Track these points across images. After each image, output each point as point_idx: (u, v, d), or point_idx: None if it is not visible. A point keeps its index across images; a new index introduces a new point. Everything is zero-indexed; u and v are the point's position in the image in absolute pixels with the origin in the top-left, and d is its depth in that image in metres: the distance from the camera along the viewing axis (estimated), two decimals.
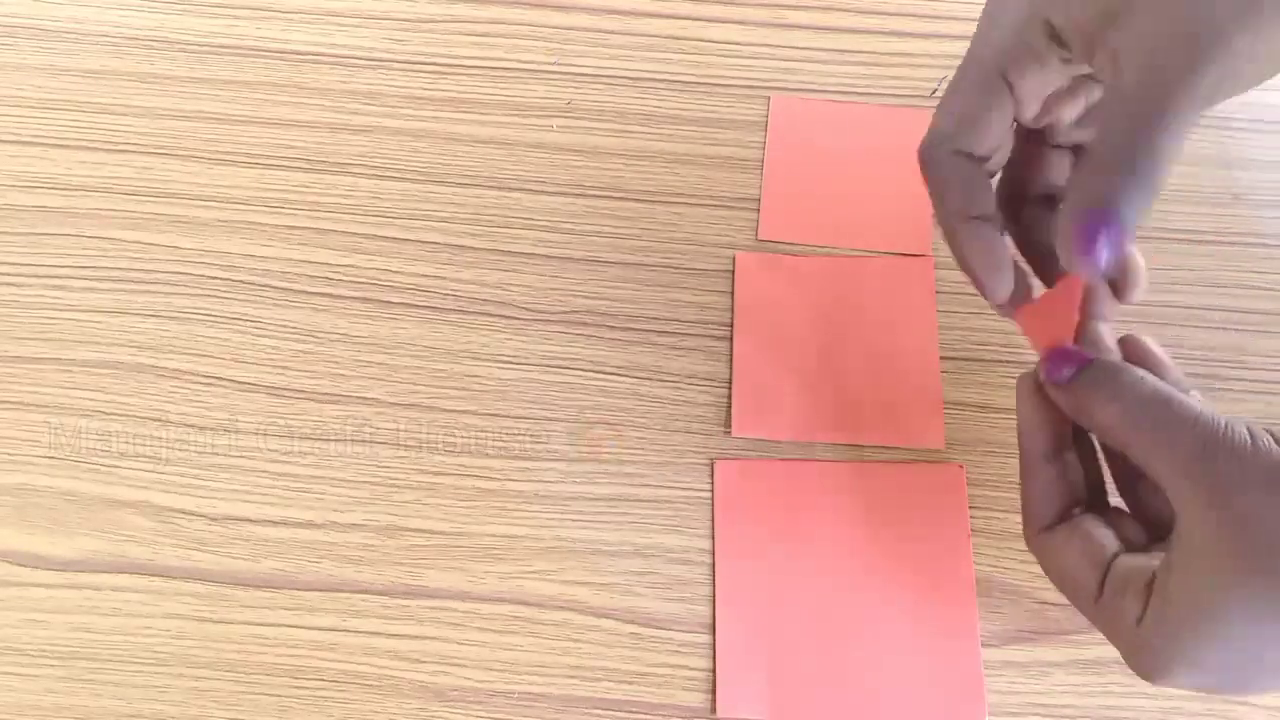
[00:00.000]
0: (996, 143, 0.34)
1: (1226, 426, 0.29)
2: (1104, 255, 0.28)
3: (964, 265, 0.34)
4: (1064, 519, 0.33)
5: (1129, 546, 0.32)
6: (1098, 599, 0.31)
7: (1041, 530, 0.33)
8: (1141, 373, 0.31)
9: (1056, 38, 0.31)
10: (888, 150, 0.46)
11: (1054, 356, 0.32)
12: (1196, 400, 0.30)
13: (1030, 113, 0.34)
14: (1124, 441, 0.30)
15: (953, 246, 0.34)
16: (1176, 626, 0.29)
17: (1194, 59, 0.28)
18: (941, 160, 0.34)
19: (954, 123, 0.33)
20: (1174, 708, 0.37)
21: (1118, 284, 0.34)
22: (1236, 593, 0.28)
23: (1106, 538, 0.32)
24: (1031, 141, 0.36)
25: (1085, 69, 0.32)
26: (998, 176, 0.36)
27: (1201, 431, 0.29)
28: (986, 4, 0.33)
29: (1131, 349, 0.34)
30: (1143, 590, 0.30)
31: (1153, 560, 0.30)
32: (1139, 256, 0.34)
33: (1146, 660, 0.30)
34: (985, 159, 0.34)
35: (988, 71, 0.32)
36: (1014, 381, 0.42)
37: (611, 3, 0.50)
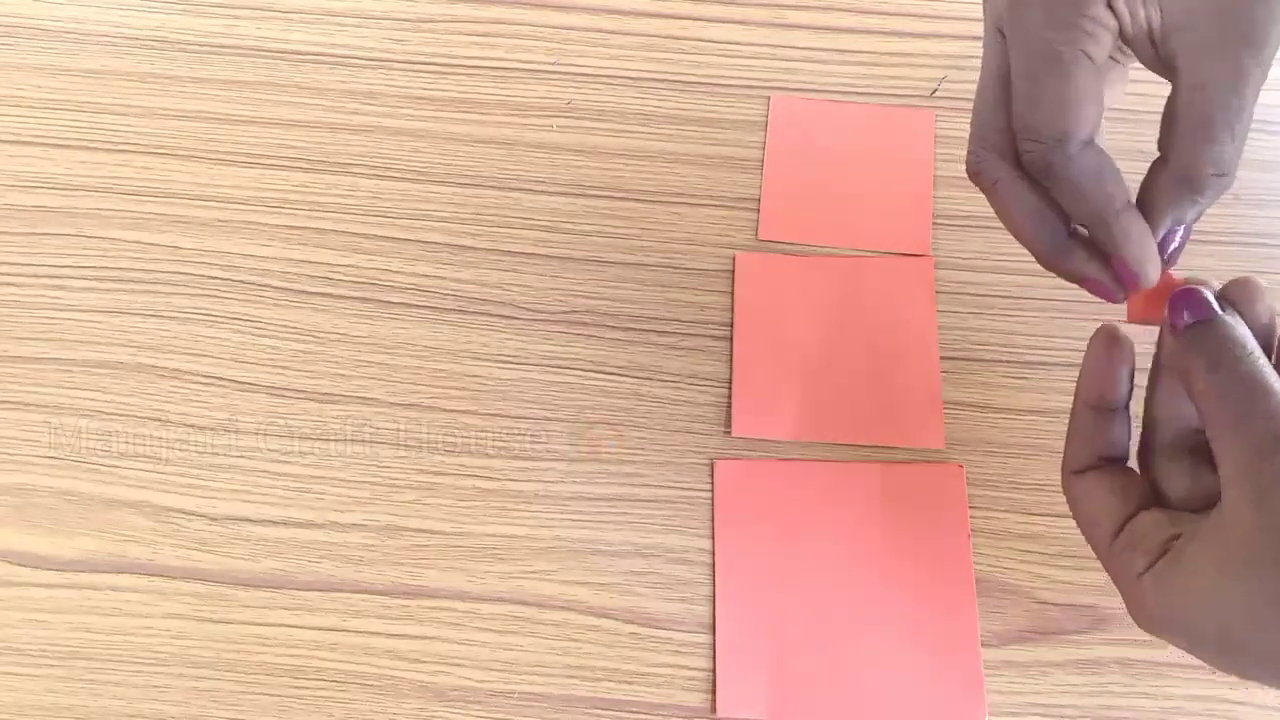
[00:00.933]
0: (1100, 121, 0.32)
1: None
2: (1177, 254, 0.32)
3: (1118, 254, 0.32)
4: (1098, 467, 0.33)
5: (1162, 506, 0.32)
6: (1111, 542, 0.32)
7: (1073, 473, 0.34)
8: (1253, 350, 0.30)
9: (1112, 7, 0.30)
10: (888, 150, 0.46)
11: (1181, 298, 0.31)
12: None
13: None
14: (1203, 408, 0.30)
15: (1105, 241, 0.32)
16: (1173, 593, 0.30)
17: (1242, 65, 0.28)
18: (1073, 158, 0.31)
19: (1066, 116, 0.31)
20: (1174, 708, 0.37)
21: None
22: (1243, 584, 0.28)
23: (1137, 490, 0.32)
24: None
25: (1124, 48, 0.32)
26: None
27: (1276, 428, 0.28)
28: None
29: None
30: (1155, 548, 0.30)
31: (1178, 523, 0.31)
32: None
33: (1140, 610, 0.31)
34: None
35: (1071, 54, 0.31)
36: (1014, 382, 0.42)
37: (611, 3, 0.49)
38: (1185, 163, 0.30)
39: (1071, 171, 0.31)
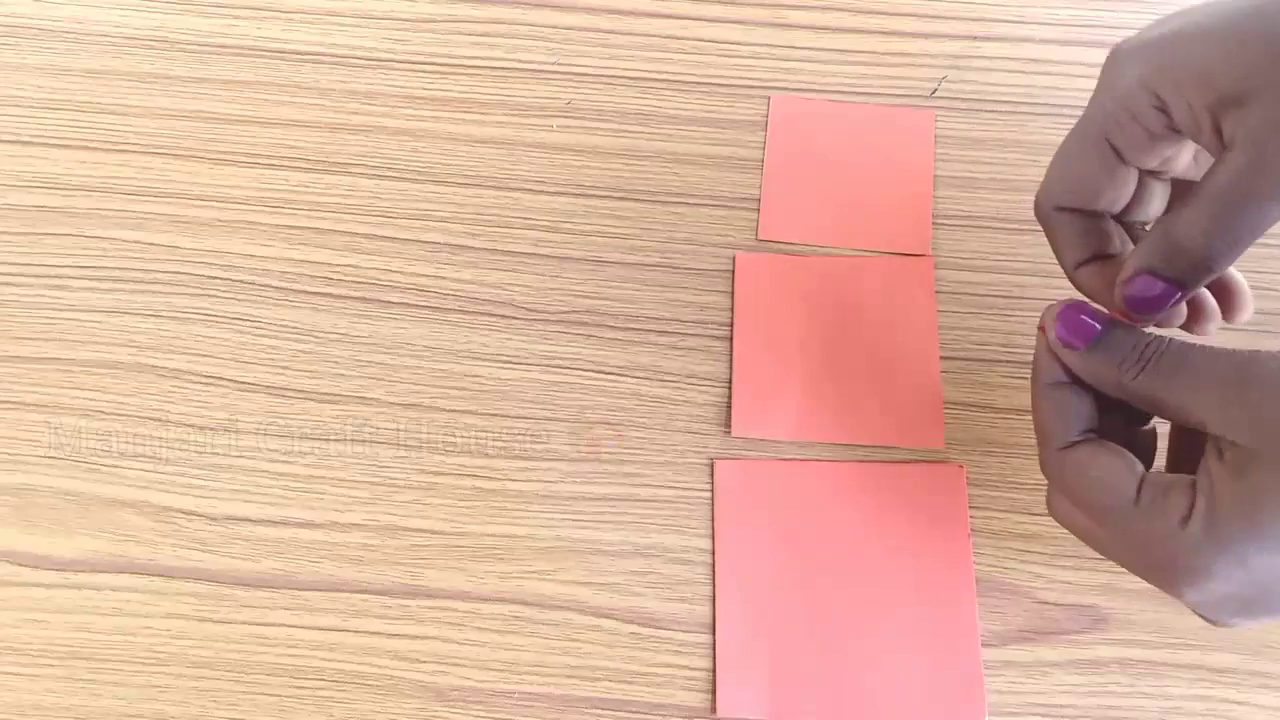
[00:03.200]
0: (1109, 199, 0.34)
1: (1250, 355, 0.29)
2: (1154, 317, 0.32)
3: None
4: (1086, 440, 0.33)
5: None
6: (1136, 501, 0.30)
7: (1061, 449, 0.32)
8: (1152, 332, 0.31)
9: (1164, 110, 0.31)
10: (888, 150, 0.46)
11: (1069, 316, 0.32)
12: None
13: (1149, 165, 0.34)
14: (1154, 402, 0.31)
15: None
16: (1226, 523, 0.28)
17: None
18: (1048, 216, 0.35)
19: (1058, 182, 0.34)
20: (1174, 708, 0.37)
21: (1226, 306, 0.34)
22: None
23: (1131, 453, 0.32)
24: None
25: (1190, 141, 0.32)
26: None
27: (1235, 360, 0.29)
28: (1103, 70, 0.33)
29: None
30: (1187, 489, 0.29)
31: (1183, 477, 0.30)
32: (1243, 282, 0.34)
33: (1187, 560, 0.29)
34: (1100, 213, 0.34)
35: (1092, 136, 0.33)
36: (1014, 382, 0.42)
37: (611, 3, 0.50)
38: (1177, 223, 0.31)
39: (1050, 224, 0.35)
